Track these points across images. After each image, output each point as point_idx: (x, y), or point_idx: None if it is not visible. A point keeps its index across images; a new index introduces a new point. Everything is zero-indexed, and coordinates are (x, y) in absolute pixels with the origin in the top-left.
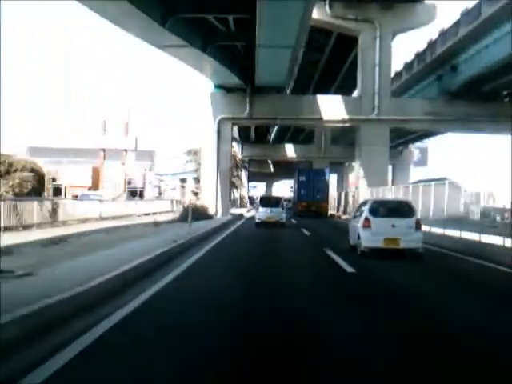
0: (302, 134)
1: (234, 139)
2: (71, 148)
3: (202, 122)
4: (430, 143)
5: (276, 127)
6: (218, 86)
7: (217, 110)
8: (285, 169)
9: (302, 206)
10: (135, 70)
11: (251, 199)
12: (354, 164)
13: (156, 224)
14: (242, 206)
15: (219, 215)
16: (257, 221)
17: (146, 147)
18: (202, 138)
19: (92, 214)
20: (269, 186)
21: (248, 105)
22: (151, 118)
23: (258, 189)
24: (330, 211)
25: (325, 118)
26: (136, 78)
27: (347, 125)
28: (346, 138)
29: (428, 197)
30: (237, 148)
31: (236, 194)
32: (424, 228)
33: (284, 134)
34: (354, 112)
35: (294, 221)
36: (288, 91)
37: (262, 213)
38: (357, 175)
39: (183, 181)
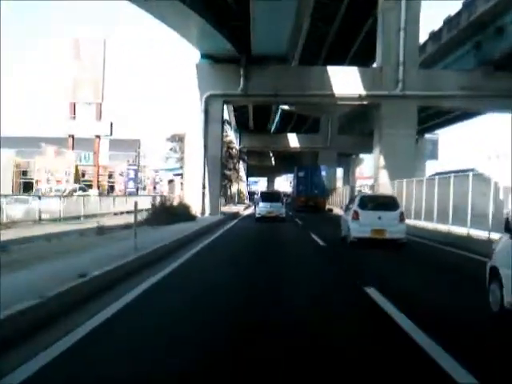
0: (306, 123)
1: (227, 123)
2: (40, 137)
3: (187, 100)
4: (440, 135)
5: (278, 114)
6: (206, 56)
7: (204, 84)
8: (287, 162)
9: (301, 201)
10: (109, 45)
11: (251, 195)
12: (361, 157)
13: (100, 231)
14: (241, 202)
15: (207, 214)
16: (257, 215)
17: (130, 136)
18: (187, 120)
19: (31, 214)
20: (270, 181)
21: (242, 78)
22: (133, 102)
23: (260, 184)
24: (334, 207)
25: (337, 93)
26: (112, 54)
27: (364, 102)
28: (355, 127)
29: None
30: (233, 138)
31: (233, 189)
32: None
33: (287, 122)
34: (374, 86)
35: (292, 215)
36: (292, 64)
37: (262, 208)
38: (376, 165)
39: (181, 176)
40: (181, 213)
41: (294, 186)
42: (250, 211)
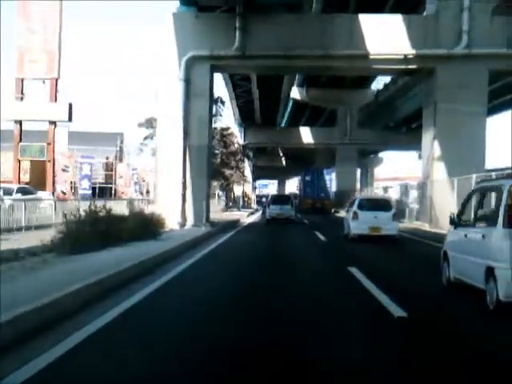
0: (321, 116)
1: (220, 102)
2: None
3: (159, 64)
4: None
5: (289, 106)
6: (188, 2)
7: (184, 42)
8: (299, 162)
9: (308, 204)
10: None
11: (259, 198)
12: (380, 155)
13: None
14: (246, 206)
15: (189, 225)
16: (267, 217)
17: (112, 129)
18: (159, 93)
19: None
20: (281, 185)
21: (239, 32)
22: (99, 78)
23: (270, 188)
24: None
25: (373, 53)
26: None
27: (411, 66)
28: (378, 120)
29: None
30: (236, 132)
31: (237, 191)
32: None
33: (299, 115)
34: (425, 43)
35: (300, 217)
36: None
37: (272, 210)
38: (428, 156)
39: None
40: (140, 225)
41: (300, 189)
42: (254, 218)
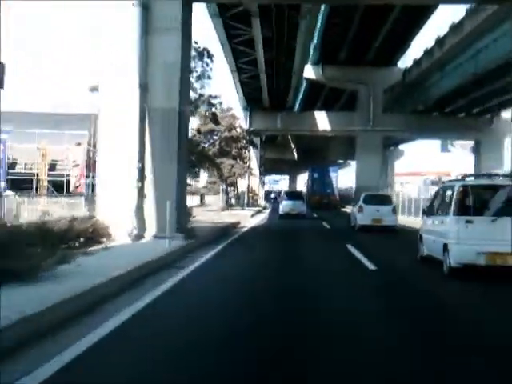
0: (340, 99)
1: (207, 56)
2: None
3: None
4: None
5: (302, 87)
6: None
7: None
8: (313, 155)
9: (315, 199)
10: None
11: (268, 194)
12: (401, 148)
13: None
14: (253, 204)
15: (149, 236)
16: (281, 213)
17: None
18: (102, 30)
19: None
20: (292, 180)
21: None
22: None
23: (281, 184)
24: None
25: None
26: None
27: None
28: (406, 103)
29: None
30: (241, 116)
31: (242, 186)
32: None
33: (314, 98)
34: None
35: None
36: None
37: (285, 206)
38: None
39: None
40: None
41: (308, 186)
42: (261, 218)
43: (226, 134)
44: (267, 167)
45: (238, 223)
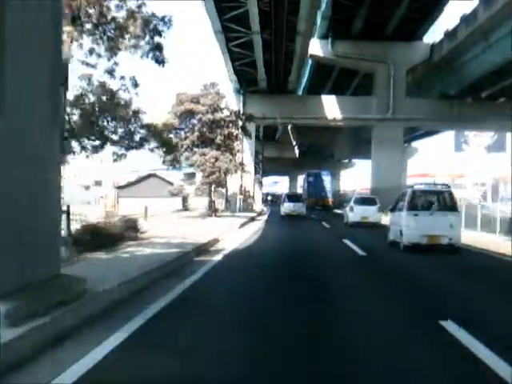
0: (352, 82)
1: None
2: None
3: None
4: None
5: (308, 67)
6: None
7: None
8: (317, 153)
9: (312, 202)
10: None
11: (266, 196)
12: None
13: None
14: (247, 209)
15: None
16: (282, 214)
17: None
18: None
19: None
20: (293, 181)
21: None
22: None
23: (280, 186)
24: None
25: None
26: None
27: None
28: (433, 86)
29: None
30: (232, 101)
31: (232, 186)
32: None
33: (321, 80)
34: None
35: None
36: None
37: (286, 207)
38: None
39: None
40: None
41: (304, 189)
42: (254, 229)
43: (209, 116)
44: (266, 168)
45: (216, 241)
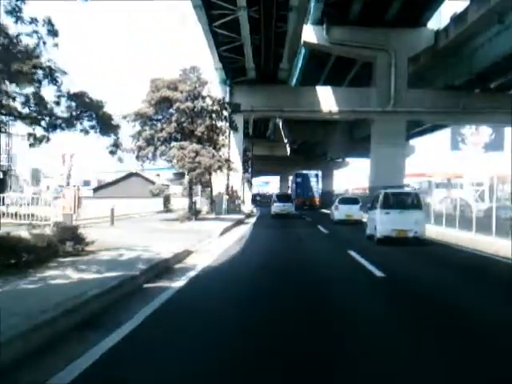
0: (350, 72)
1: None
2: None
3: None
4: None
5: (302, 55)
6: None
7: None
8: (309, 151)
9: (300, 201)
10: None
11: (255, 197)
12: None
13: None
14: (233, 210)
15: None
16: (272, 213)
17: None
18: None
19: None
20: (283, 181)
21: None
22: None
23: (271, 186)
24: None
25: None
26: None
27: None
28: (437, 76)
29: None
30: (217, 91)
31: (218, 185)
32: None
33: (316, 69)
34: None
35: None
36: None
37: (276, 207)
38: None
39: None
40: None
41: (292, 190)
42: (238, 236)
43: (188, 104)
44: (256, 167)
45: (186, 254)
